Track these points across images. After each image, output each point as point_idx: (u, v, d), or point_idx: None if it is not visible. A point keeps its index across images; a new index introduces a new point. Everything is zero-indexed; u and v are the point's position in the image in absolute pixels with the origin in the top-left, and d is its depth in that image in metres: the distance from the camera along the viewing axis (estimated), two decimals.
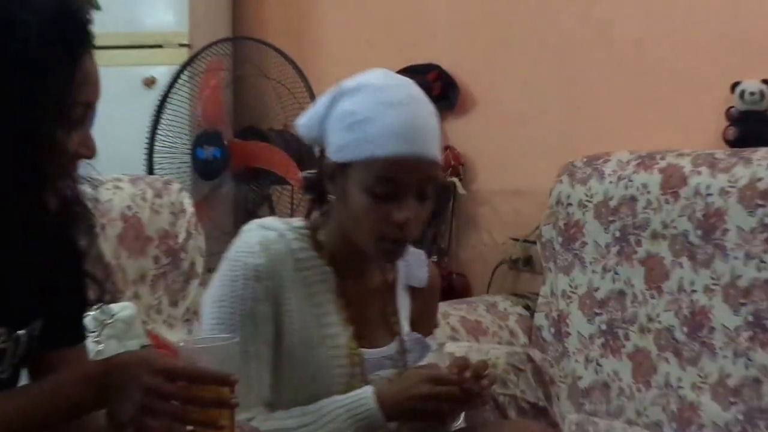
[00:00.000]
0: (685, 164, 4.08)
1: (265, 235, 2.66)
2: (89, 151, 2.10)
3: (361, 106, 2.61)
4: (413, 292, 2.85)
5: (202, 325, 2.70)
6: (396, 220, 2.56)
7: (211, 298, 2.65)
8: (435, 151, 2.65)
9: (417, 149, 2.59)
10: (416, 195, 2.60)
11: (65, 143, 2.05)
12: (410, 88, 2.69)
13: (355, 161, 2.58)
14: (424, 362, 2.81)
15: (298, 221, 2.77)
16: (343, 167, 2.61)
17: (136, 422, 1.96)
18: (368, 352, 2.74)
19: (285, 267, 2.64)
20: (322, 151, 2.72)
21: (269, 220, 2.78)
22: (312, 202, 2.83)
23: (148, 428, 1.96)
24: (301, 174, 2.90)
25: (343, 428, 2.58)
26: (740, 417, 3.86)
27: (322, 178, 2.70)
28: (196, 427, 1.98)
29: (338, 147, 2.63)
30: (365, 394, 2.60)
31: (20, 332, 2.17)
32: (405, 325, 2.83)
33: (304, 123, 2.76)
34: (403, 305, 2.88)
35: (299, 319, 2.65)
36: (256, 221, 2.78)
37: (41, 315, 2.22)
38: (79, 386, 2.05)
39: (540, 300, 4.36)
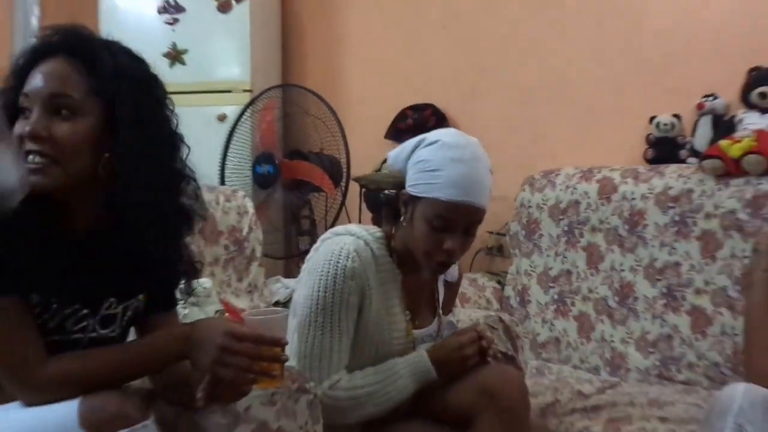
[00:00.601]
0: (616, 176, 4.14)
1: (357, 243, 2.74)
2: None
3: (435, 157, 2.69)
4: (447, 284, 2.95)
5: (303, 306, 2.74)
6: (445, 248, 2.67)
7: (312, 288, 2.71)
8: (484, 201, 2.71)
9: (470, 199, 2.66)
10: (463, 231, 2.69)
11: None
12: (473, 148, 2.76)
13: (424, 198, 2.67)
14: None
15: (376, 231, 2.84)
16: (415, 199, 2.71)
17: (211, 370, 2.06)
18: (417, 332, 2.85)
19: (370, 269, 2.74)
20: (402, 183, 2.80)
21: (356, 229, 2.85)
22: (384, 216, 2.90)
23: (221, 376, 2.07)
24: (370, 188, 2.96)
25: (407, 382, 2.68)
26: (657, 363, 3.91)
27: (398, 200, 2.79)
28: (256, 375, 2.07)
29: (413, 183, 2.72)
30: (422, 355, 2.71)
31: (128, 302, 2.26)
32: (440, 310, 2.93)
33: (393, 156, 2.87)
34: (441, 295, 2.98)
35: (375, 306, 2.74)
36: (344, 228, 2.88)
37: (145, 288, 2.30)
38: (172, 342, 2.15)
39: (508, 277, 4.39)
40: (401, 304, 2.83)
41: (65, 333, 2.15)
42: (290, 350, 2.59)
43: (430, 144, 2.73)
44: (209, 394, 2.15)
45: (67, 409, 1.98)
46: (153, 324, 2.34)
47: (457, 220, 2.67)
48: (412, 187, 2.73)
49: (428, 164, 2.69)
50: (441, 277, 2.95)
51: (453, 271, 2.91)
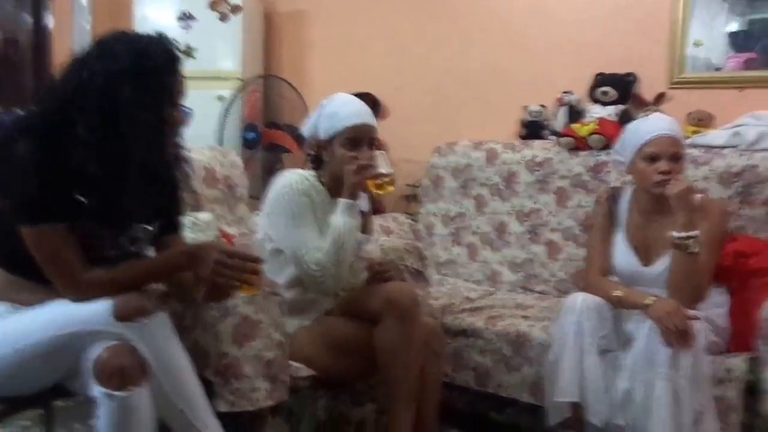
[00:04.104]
0: (498, 147, 4.14)
1: (301, 176, 2.77)
2: (183, 121, 2.18)
3: (331, 107, 2.77)
4: (361, 213, 2.85)
5: (272, 220, 2.77)
6: (360, 158, 2.69)
7: (280, 207, 2.73)
8: (374, 122, 2.79)
9: (365, 120, 2.76)
10: (368, 145, 2.74)
11: (174, 116, 2.12)
12: (354, 97, 2.85)
13: (336, 134, 2.73)
14: (367, 248, 2.96)
15: (309, 172, 2.85)
16: (330, 140, 2.75)
17: (208, 278, 2.07)
18: None
19: (311, 191, 2.74)
20: (317, 141, 2.82)
21: (299, 170, 2.88)
22: (313, 163, 2.89)
23: (216, 282, 2.07)
24: (306, 151, 2.98)
25: (344, 219, 2.70)
26: (522, 278, 3.97)
27: (319, 151, 2.81)
28: (241, 283, 2.07)
29: (325, 131, 2.76)
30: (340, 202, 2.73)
31: (148, 227, 2.24)
32: None
33: (307, 128, 2.87)
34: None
35: (317, 219, 2.74)
36: (290, 170, 2.89)
37: (160, 217, 2.29)
38: (179, 257, 2.16)
39: (420, 216, 4.38)
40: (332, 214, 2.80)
41: (103, 250, 2.13)
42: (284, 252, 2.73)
43: (327, 104, 2.81)
44: (207, 296, 2.15)
45: (102, 304, 1.99)
46: (165, 243, 2.32)
47: (361, 138, 2.74)
48: (325, 134, 2.78)
49: (328, 113, 2.77)
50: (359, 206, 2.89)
51: (363, 203, 2.87)
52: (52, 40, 4.68)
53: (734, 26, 3.88)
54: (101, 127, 1.99)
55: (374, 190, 2.73)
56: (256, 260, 2.10)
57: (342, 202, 2.71)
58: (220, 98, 4.79)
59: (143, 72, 2.02)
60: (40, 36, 4.62)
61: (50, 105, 2.06)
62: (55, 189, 1.98)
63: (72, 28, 5.17)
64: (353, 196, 2.71)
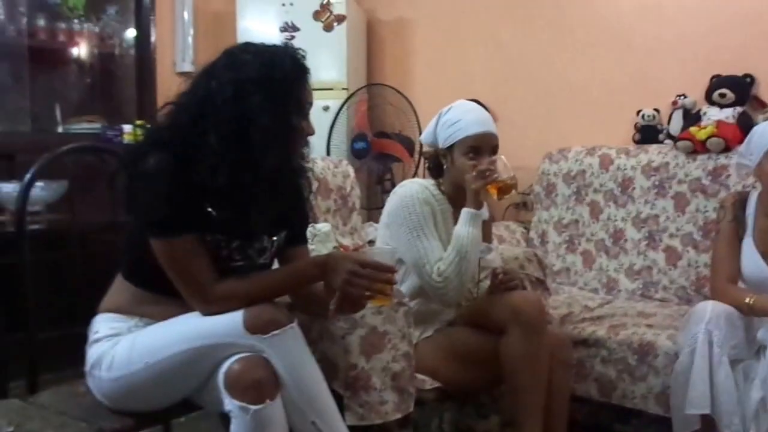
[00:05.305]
0: (612, 153, 4.08)
1: (421, 185, 2.76)
2: (312, 131, 2.14)
3: (453, 115, 2.76)
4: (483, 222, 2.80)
5: (393, 231, 2.74)
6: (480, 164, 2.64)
7: (400, 218, 2.71)
8: (495, 130, 2.75)
9: (487, 129, 2.73)
10: (489, 154, 2.70)
11: (303, 126, 2.09)
12: (475, 105, 2.83)
13: (456, 143, 2.71)
14: (488, 257, 2.89)
15: (428, 180, 2.85)
16: (450, 148, 2.73)
17: (341, 289, 2.03)
18: None
19: (432, 201, 2.72)
20: (436, 149, 2.82)
21: (417, 180, 2.90)
22: (433, 171, 2.88)
23: (349, 293, 2.03)
24: (425, 158, 2.98)
25: (467, 229, 2.66)
26: (640, 286, 3.88)
27: (438, 158, 2.81)
28: (373, 293, 2.03)
29: (445, 139, 2.74)
30: (464, 211, 2.69)
31: (275, 237, 2.21)
32: None
33: (425, 135, 2.88)
34: None
35: (439, 228, 2.74)
36: (409, 180, 2.91)
37: (285, 228, 2.25)
38: (312, 268, 2.12)
39: (532, 224, 4.32)
40: (453, 226, 2.76)
41: (232, 261, 2.12)
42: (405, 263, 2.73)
43: (447, 111, 2.79)
44: (338, 307, 2.11)
45: (234, 317, 1.97)
46: (291, 255, 2.30)
47: (483, 146, 2.70)
48: (445, 142, 2.76)
49: (450, 121, 2.74)
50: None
51: (485, 211, 2.82)
52: (155, 54, 4.70)
53: None
54: (231, 137, 1.98)
55: (496, 196, 2.66)
56: (390, 270, 2.05)
57: (465, 211, 2.67)
58: (326, 109, 4.77)
59: (272, 81, 2.00)
60: (144, 50, 4.65)
61: (179, 118, 2.06)
62: (186, 201, 1.97)
63: (175, 41, 5.23)
64: (477, 205, 2.67)
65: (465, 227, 2.64)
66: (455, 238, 2.65)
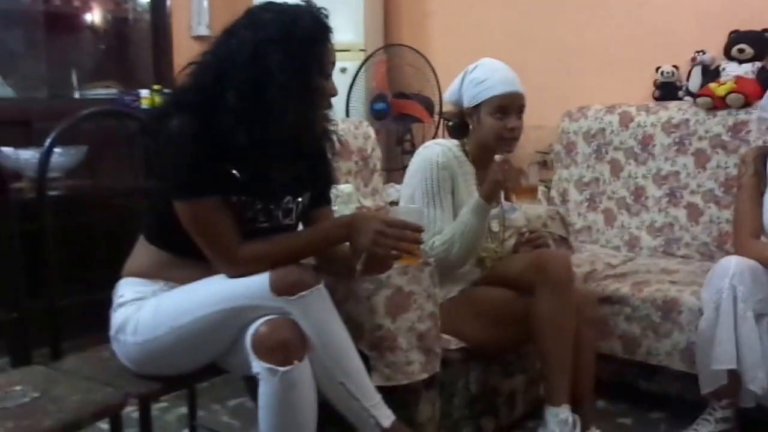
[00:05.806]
0: (632, 110, 4.04)
1: (443, 147, 2.73)
2: (335, 91, 2.12)
3: (480, 74, 2.73)
4: None
5: (410, 194, 2.72)
6: (510, 127, 2.68)
7: (416, 180, 2.70)
8: (522, 90, 2.72)
9: (515, 88, 2.70)
10: (516, 114, 2.69)
11: (325, 87, 2.06)
12: (502, 63, 2.77)
13: (483, 102, 2.68)
14: (512, 217, 2.86)
15: (455, 141, 2.81)
16: (477, 107, 2.71)
17: (368, 250, 2.01)
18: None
19: (454, 164, 2.71)
20: (461, 108, 2.78)
21: (441, 140, 2.86)
22: (455, 131, 2.85)
23: (375, 253, 2.01)
24: (445, 118, 2.94)
25: (468, 217, 2.62)
26: (662, 243, 3.87)
27: (462, 118, 2.78)
28: (401, 252, 2.00)
29: (472, 98, 2.72)
30: (474, 197, 2.66)
31: (299, 198, 2.18)
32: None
33: (449, 94, 2.85)
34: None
35: (460, 192, 2.71)
36: (433, 141, 2.87)
37: (310, 189, 2.23)
38: (337, 229, 2.09)
39: (553, 183, 4.29)
40: (477, 189, 2.74)
41: (257, 222, 2.10)
42: None
43: (473, 69, 2.76)
44: (365, 268, 2.10)
45: (261, 279, 1.95)
46: (315, 216, 2.28)
47: (510, 106, 2.68)
48: (472, 101, 2.73)
49: (477, 80, 2.71)
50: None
51: (512, 209, 2.84)
52: (171, 18, 4.65)
53: None
54: (250, 96, 1.95)
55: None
56: (418, 229, 2.02)
57: (475, 199, 2.64)
58: (343, 70, 4.74)
59: (293, 40, 1.96)
60: (159, 14, 4.60)
61: (200, 78, 2.03)
62: (209, 162, 1.94)
63: (190, 5, 5.19)
64: (490, 197, 2.64)
65: (469, 215, 2.63)
66: (457, 221, 2.66)
